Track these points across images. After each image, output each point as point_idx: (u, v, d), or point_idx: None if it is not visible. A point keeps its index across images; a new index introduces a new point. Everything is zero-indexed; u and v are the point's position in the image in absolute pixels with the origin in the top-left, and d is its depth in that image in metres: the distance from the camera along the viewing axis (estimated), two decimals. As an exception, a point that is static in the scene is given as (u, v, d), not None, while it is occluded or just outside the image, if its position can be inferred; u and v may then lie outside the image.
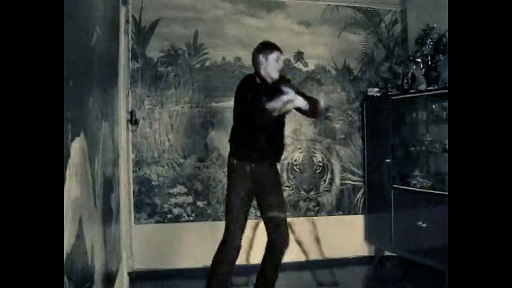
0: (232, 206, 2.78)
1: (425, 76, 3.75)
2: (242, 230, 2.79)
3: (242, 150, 2.84)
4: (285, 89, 2.59)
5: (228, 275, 2.78)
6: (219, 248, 2.77)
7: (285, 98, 2.53)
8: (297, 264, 4.00)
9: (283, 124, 2.92)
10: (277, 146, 2.93)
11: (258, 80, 2.83)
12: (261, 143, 2.80)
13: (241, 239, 2.77)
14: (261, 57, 2.81)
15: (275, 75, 2.81)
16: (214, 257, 2.79)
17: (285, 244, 2.83)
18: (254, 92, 2.70)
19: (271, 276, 2.86)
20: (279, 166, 4.25)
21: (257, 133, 2.78)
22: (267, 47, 2.86)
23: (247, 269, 3.48)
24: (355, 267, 4.19)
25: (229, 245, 2.74)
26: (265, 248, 2.87)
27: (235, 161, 2.84)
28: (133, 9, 3.88)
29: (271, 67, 2.79)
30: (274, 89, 2.68)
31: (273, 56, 2.80)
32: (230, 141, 2.92)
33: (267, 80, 2.81)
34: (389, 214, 3.98)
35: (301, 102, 2.63)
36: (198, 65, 4.07)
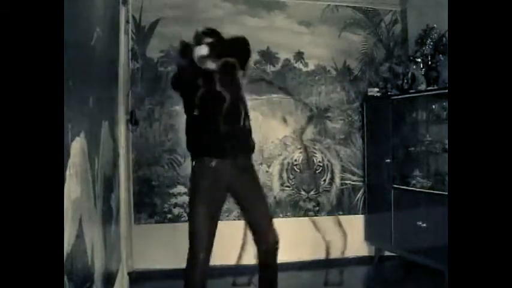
0: (195, 213, 2.53)
1: (425, 76, 3.75)
2: (209, 241, 2.51)
3: (198, 148, 2.59)
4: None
5: (202, 282, 2.54)
6: (187, 261, 2.53)
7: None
8: (297, 264, 4.00)
9: (240, 112, 2.57)
10: (238, 138, 2.56)
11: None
12: (214, 134, 2.50)
13: (208, 249, 2.51)
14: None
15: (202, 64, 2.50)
16: (184, 270, 2.56)
17: (267, 244, 2.60)
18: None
19: (270, 277, 2.68)
20: (278, 166, 4.33)
21: (208, 123, 2.51)
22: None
23: (249, 269, 3.49)
24: (355, 267, 4.19)
25: (196, 258, 2.49)
26: (257, 253, 2.68)
27: (194, 162, 2.60)
28: (133, 9, 3.87)
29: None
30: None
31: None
32: (186, 144, 2.69)
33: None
34: (389, 214, 3.98)
35: (201, 50, 2.43)
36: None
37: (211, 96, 2.45)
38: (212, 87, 2.45)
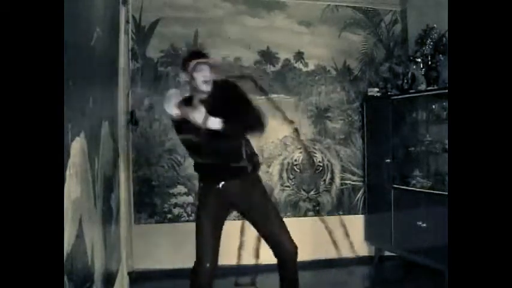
0: (201, 227, 2.60)
1: (425, 76, 3.75)
2: (213, 255, 2.56)
3: (204, 173, 2.64)
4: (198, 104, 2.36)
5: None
6: (192, 269, 2.59)
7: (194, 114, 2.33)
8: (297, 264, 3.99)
9: (241, 145, 2.57)
10: (238, 159, 2.54)
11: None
12: (212, 161, 2.50)
13: (213, 263, 2.55)
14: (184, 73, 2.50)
15: (202, 87, 2.43)
16: (190, 277, 2.60)
17: (287, 254, 2.61)
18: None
19: (293, 286, 2.68)
20: (278, 166, 4.33)
21: (205, 152, 2.49)
22: (190, 58, 2.48)
23: (250, 269, 3.49)
24: (355, 267, 4.19)
25: (202, 266, 2.55)
26: (277, 261, 2.70)
27: (201, 184, 2.67)
28: (133, 9, 3.87)
29: (197, 81, 2.43)
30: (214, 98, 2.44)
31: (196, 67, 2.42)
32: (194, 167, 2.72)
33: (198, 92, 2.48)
34: (389, 214, 3.98)
35: (211, 123, 2.32)
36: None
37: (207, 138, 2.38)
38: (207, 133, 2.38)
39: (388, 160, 4.02)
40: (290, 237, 2.63)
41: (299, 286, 2.69)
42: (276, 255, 2.66)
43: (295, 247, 2.62)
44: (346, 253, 4.24)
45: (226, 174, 2.54)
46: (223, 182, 2.54)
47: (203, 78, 2.41)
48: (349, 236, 4.23)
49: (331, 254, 4.18)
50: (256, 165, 2.65)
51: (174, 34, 4.01)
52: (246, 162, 2.57)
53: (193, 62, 2.42)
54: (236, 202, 2.60)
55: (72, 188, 1.38)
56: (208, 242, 2.58)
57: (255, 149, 2.69)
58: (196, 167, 2.69)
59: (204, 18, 4.08)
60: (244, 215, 2.71)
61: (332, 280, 3.77)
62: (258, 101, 4.32)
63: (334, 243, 4.19)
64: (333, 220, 4.28)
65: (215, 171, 2.55)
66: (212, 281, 2.58)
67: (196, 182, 4.00)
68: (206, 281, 2.55)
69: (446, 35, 3.67)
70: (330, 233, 4.20)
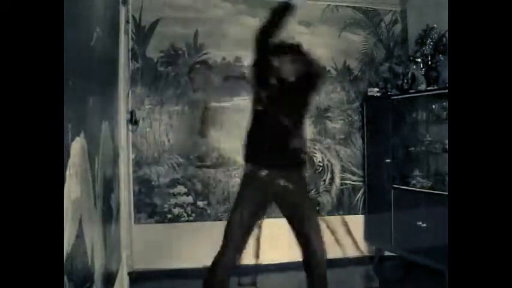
0: (234, 219, 2.52)
1: (425, 76, 3.75)
2: (240, 248, 2.51)
3: (253, 153, 2.59)
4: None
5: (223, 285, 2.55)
6: (214, 261, 2.54)
7: None
8: (297, 264, 3.99)
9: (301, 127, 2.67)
10: (294, 150, 2.57)
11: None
12: (273, 142, 2.51)
13: (236, 257, 2.51)
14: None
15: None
16: (209, 267, 2.56)
17: (317, 255, 2.60)
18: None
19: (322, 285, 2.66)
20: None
21: (269, 129, 2.51)
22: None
23: (250, 268, 3.48)
24: (355, 267, 4.19)
25: (223, 261, 2.50)
26: (303, 263, 2.69)
27: (245, 167, 2.61)
28: (133, 9, 3.87)
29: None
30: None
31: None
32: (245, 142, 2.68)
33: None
34: (389, 214, 3.98)
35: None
36: (198, 65, 4.07)
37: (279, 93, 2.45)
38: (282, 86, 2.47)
39: (388, 160, 4.01)
40: (322, 238, 2.63)
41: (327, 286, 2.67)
42: (305, 254, 2.64)
43: (325, 250, 2.63)
44: (349, 253, 4.24)
45: (279, 159, 2.52)
46: (267, 170, 2.51)
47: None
48: (352, 233, 4.21)
49: (332, 254, 4.17)
50: (304, 161, 2.69)
51: (174, 34, 4.01)
52: (302, 147, 2.63)
53: None
54: (278, 193, 2.56)
55: (72, 188, 1.38)
56: (238, 230, 2.51)
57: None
58: (250, 146, 2.61)
59: (204, 18, 4.08)
60: (283, 208, 2.66)
61: (332, 280, 3.76)
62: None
63: (337, 241, 4.18)
64: (333, 220, 4.27)
65: (268, 154, 2.52)
66: (229, 277, 2.55)
67: (196, 182, 4.04)
68: (224, 275, 2.51)
69: (446, 35, 3.67)
70: (332, 232, 4.19)
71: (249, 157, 2.60)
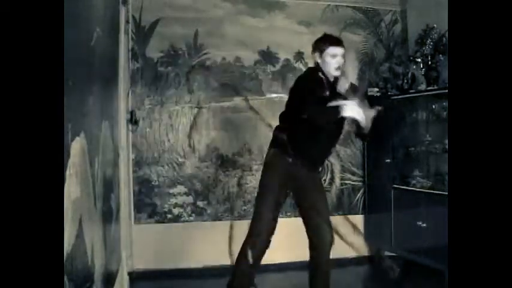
0: (262, 199, 2.68)
1: (425, 76, 3.75)
2: (271, 227, 2.65)
3: (284, 143, 2.70)
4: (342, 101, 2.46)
5: (251, 273, 2.67)
6: (243, 244, 2.67)
7: (342, 102, 2.41)
8: (297, 264, 3.99)
9: (338, 134, 2.88)
10: (325, 152, 2.88)
11: (320, 74, 2.68)
12: (309, 142, 2.67)
13: (268, 236, 2.64)
14: (317, 53, 2.70)
15: (333, 72, 2.66)
16: (239, 253, 2.69)
17: (324, 245, 2.72)
18: (316, 84, 2.58)
19: (325, 278, 2.76)
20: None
21: (310, 131, 2.63)
22: (324, 41, 2.69)
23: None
24: (355, 267, 4.18)
25: (254, 242, 2.62)
26: (309, 252, 2.77)
27: (272, 151, 2.75)
28: (133, 9, 3.87)
29: (326, 64, 2.66)
30: (334, 88, 2.63)
31: (329, 51, 2.65)
32: (276, 130, 2.82)
33: (328, 76, 2.68)
34: (389, 214, 3.98)
35: (357, 114, 2.44)
36: (198, 65, 4.07)
37: (321, 101, 2.51)
38: (325, 98, 2.56)
39: (388, 160, 4.01)
40: (332, 230, 2.77)
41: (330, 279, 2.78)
42: (312, 244, 2.74)
43: (333, 242, 2.76)
44: (350, 252, 4.24)
45: (308, 152, 2.70)
46: (293, 157, 2.68)
47: (336, 64, 2.64)
48: (349, 236, 4.22)
49: (332, 253, 4.17)
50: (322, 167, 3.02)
51: (174, 34, 4.01)
52: (328, 156, 3.00)
53: (328, 46, 2.63)
54: (298, 180, 2.71)
55: (72, 188, 1.38)
56: (266, 214, 2.66)
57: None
58: (287, 131, 2.73)
59: (204, 18, 4.08)
60: (296, 195, 2.81)
61: (332, 280, 3.76)
62: (258, 101, 4.37)
63: (342, 238, 4.17)
64: (333, 220, 4.26)
65: (304, 146, 2.68)
66: (259, 262, 2.68)
67: (196, 182, 4.04)
68: (258, 257, 2.63)
69: (446, 35, 3.67)
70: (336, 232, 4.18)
71: (275, 142, 2.75)
